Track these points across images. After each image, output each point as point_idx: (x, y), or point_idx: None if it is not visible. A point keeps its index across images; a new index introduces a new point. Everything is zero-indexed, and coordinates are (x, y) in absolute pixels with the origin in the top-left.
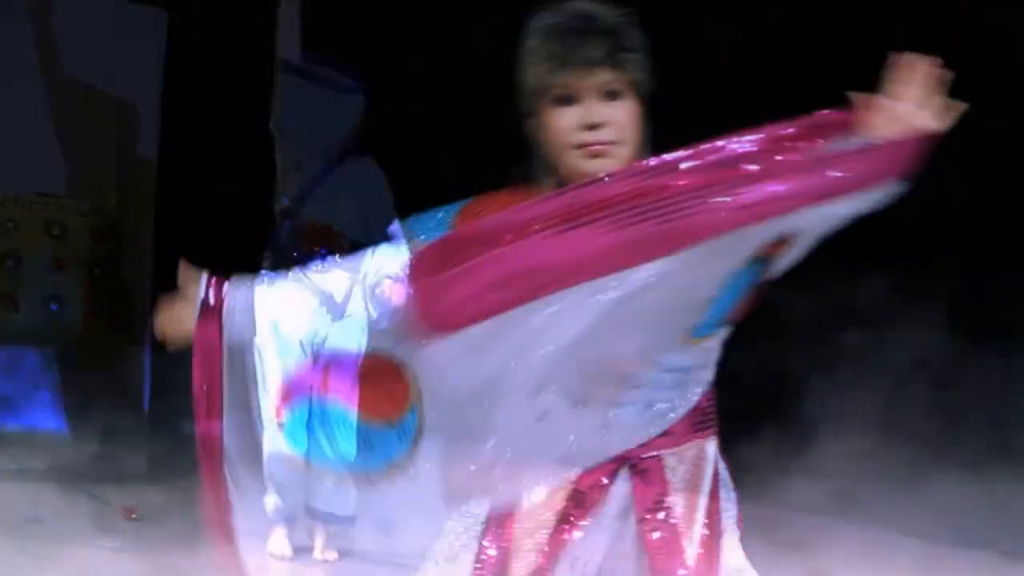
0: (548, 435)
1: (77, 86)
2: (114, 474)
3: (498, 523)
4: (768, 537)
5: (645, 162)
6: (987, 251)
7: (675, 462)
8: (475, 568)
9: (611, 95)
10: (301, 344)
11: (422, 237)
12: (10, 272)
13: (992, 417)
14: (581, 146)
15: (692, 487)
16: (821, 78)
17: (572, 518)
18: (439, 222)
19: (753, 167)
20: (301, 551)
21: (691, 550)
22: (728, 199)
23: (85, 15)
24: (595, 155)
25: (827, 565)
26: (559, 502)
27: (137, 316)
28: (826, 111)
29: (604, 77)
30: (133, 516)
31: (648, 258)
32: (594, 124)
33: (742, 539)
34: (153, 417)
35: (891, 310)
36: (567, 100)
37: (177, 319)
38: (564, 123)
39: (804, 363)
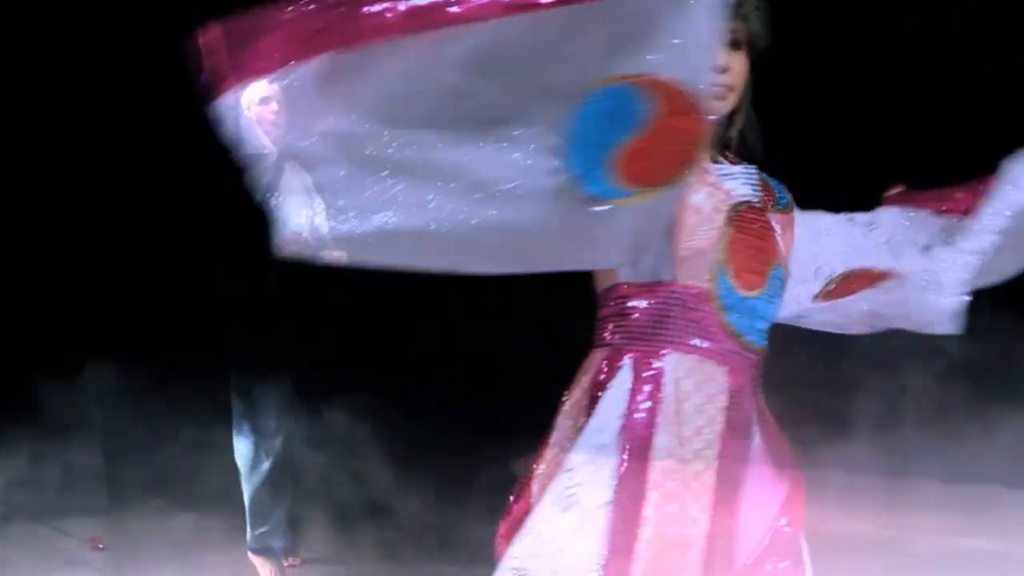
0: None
1: None
2: (76, 507)
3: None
4: None
5: None
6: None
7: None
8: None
9: (734, 44)
10: None
11: None
12: None
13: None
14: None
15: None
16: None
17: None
18: None
19: None
20: None
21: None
22: None
23: None
24: (715, 96)
25: None
26: (722, 399)
27: None
28: None
29: (735, 25)
30: (100, 546)
31: None
32: (721, 67)
33: None
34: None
35: None
36: None
37: None
38: None
39: None
